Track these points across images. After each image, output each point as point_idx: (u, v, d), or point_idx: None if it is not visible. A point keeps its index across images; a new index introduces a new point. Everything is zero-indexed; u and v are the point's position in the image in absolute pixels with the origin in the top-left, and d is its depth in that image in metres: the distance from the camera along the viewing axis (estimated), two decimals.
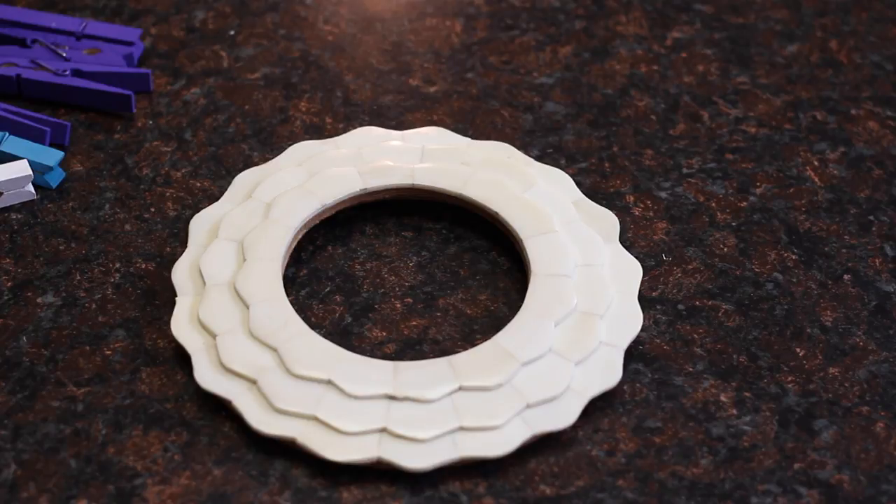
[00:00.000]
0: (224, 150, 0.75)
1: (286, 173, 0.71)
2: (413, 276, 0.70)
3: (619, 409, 0.65)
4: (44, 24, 0.79)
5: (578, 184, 0.73)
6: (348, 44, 0.81)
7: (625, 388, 0.65)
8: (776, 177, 0.75)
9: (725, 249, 0.71)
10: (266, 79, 0.79)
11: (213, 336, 0.65)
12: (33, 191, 0.72)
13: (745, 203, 0.73)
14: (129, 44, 0.79)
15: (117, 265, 0.70)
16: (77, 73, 0.77)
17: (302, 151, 0.73)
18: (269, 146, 0.75)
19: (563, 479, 0.62)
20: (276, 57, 0.80)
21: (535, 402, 0.63)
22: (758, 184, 0.74)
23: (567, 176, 0.72)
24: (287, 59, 0.80)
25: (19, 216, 0.72)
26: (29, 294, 0.69)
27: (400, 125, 0.76)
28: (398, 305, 0.69)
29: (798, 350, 0.67)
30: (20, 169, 0.71)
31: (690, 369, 0.66)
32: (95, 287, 0.69)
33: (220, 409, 0.64)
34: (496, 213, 0.70)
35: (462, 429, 0.62)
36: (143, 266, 0.70)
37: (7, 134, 0.73)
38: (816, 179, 0.75)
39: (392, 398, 0.63)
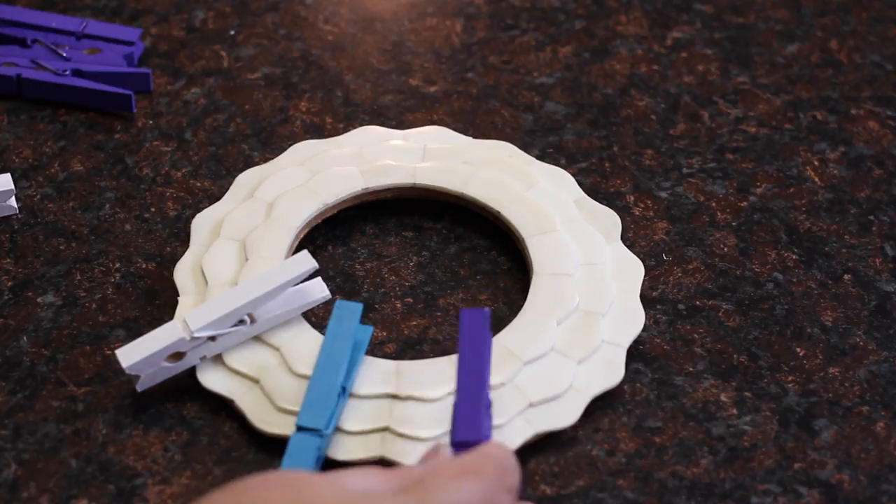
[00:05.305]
0: (224, 150, 0.75)
1: (288, 172, 0.71)
2: (413, 275, 0.70)
3: (619, 409, 0.65)
4: (44, 24, 0.79)
5: (579, 183, 0.73)
6: (348, 44, 0.81)
7: (625, 387, 0.65)
8: (776, 177, 0.75)
9: (725, 249, 0.71)
10: (266, 79, 0.79)
11: None
12: (15, 205, 0.72)
13: (745, 203, 0.73)
14: (130, 44, 0.79)
15: (118, 265, 0.70)
16: (77, 72, 0.77)
17: (304, 151, 0.73)
18: (269, 146, 0.75)
19: (564, 478, 0.62)
20: (276, 57, 0.80)
21: (538, 401, 0.63)
22: (758, 184, 0.74)
23: (568, 175, 0.72)
24: (287, 59, 0.80)
25: (19, 216, 0.72)
26: (29, 294, 0.69)
27: (400, 125, 0.76)
28: (398, 305, 0.69)
29: (798, 350, 0.67)
30: (2, 183, 0.71)
31: (691, 369, 0.66)
32: (96, 287, 0.69)
33: (221, 408, 0.64)
34: (498, 213, 0.70)
35: None
36: (144, 266, 0.70)
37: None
38: (816, 179, 0.75)
39: (394, 397, 0.63)
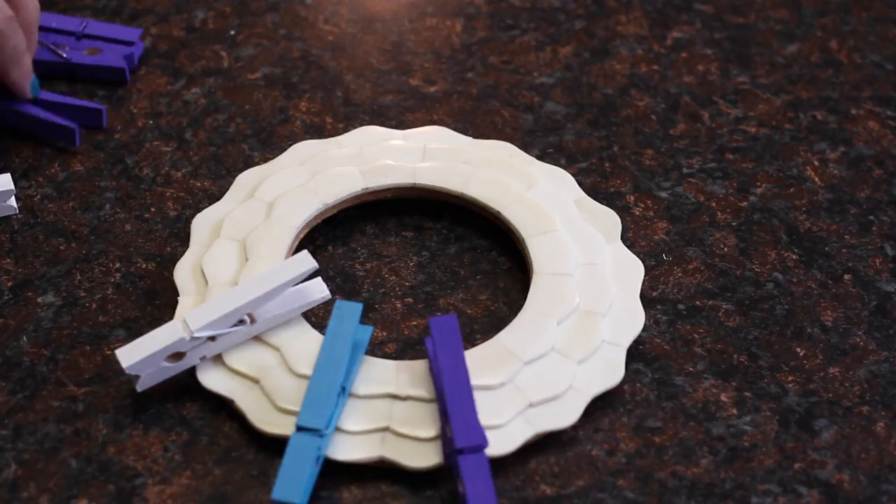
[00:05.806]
0: (224, 150, 0.75)
1: (288, 172, 0.71)
2: (413, 275, 0.70)
3: (619, 409, 0.65)
4: (44, 24, 0.79)
5: (579, 183, 0.73)
6: (348, 44, 0.81)
7: (625, 387, 0.65)
8: (776, 177, 0.75)
9: (725, 249, 0.71)
10: (266, 79, 0.79)
11: None
12: (15, 205, 0.72)
13: (745, 203, 0.73)
14: (130, 44, 0.79)
15: (118, 265, 0.70)
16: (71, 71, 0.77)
17: (304, 151, 0.73)
18: (269, 146, 0.75)
19: (564, 478, 0.62)
20: (276, 57, 0.80)
21: (538, 401, 0.63)
22: (758, 184, 0.74)
23: (568, 175, 0.72)
24: (287, 59, 0.80)
25: (20, 216, 0.72)
26: (29, 294, 0.69)
27: (400, 125, 0.76)
28: (398, 305, 0.69)
29: (798, 350, 0.67)
30: (2, 183, 0.71)
31: (691, 369, 0.66)
32: (96, 287, 0.69)
33: (221, 408, 0.64)
34: (498, 213, 0.70)
35: None
36: (144, 266, 0.70)
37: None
38: (816, 179, 0.75)
39: (394, 397, 0.63)
